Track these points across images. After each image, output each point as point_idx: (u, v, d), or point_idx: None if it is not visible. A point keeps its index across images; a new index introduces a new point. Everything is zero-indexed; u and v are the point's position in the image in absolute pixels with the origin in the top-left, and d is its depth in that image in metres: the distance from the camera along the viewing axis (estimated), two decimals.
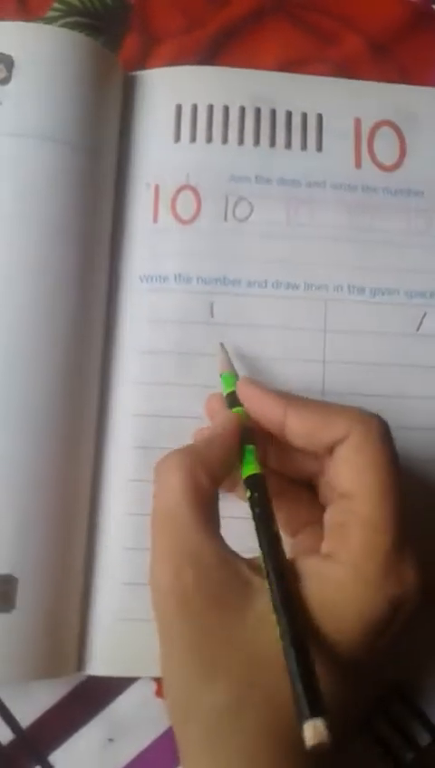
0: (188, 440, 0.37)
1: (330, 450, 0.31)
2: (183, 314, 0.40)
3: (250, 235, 0.41)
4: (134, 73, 0.43)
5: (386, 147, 0.42)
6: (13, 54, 0.39)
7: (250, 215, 0.41)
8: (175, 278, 0.40)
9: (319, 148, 0.42)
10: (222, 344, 0.39)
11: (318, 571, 0.29)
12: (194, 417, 0.38)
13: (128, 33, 0.45)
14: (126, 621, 0.36)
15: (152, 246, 0.40)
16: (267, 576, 0.28)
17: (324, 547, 0.30)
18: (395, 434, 0.38)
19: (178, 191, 0.41)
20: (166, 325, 0.40)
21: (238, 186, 0.41)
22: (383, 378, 0.40)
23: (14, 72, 0.39)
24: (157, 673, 0.35)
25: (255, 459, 0.32)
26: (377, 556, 0.28)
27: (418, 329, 0.40)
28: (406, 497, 0.30)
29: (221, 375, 0.37)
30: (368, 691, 0.34)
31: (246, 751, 0.27)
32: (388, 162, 0.42)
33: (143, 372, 0.39)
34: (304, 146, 0.42)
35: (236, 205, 0.41)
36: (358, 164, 0.42)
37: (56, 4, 0.45)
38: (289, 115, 0.42)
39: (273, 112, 0.42)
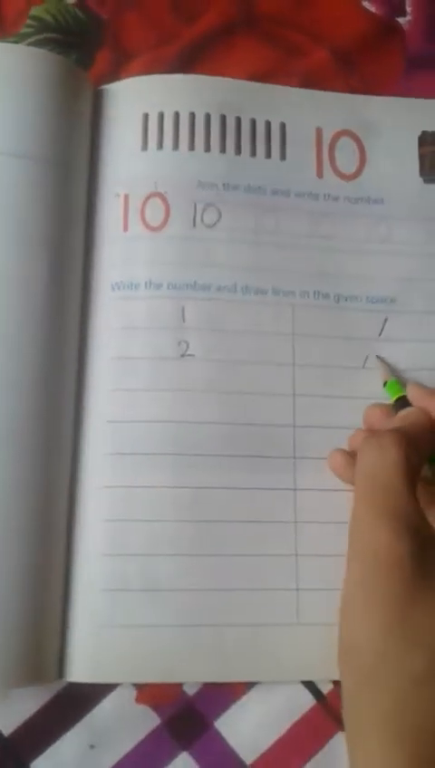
0: (160, 446, 0.38)
1: None
2: (155, 320, 0.40)
3: (219, 240, 0.41)
4: (102, 87, 0.43)
5: (346, 156, 0.44)
6: None
7: (218, 221, 0.42)
8: (145, 285, 0.40)
9: (283, 156, 0.43)
10: (379, 357, 0.41)
11: None
12: (168, 422, 0.39)
13: (100, 48, 0.45)
14: (105, 628, 0.36)
15: (123, 255, 0.41)
16: None
17: None
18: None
19: (147, 199, 0.41)
20: (138, 332, 0.40)
21: (206, 192, 0.42)
22: (351, 380, 0.41)
23: None
24: (137, 679, 0.37)
25: None
26: None
27: (380, 333, 0.42)
28: None
29: (386, 383, 0.39)
30: None
31: None
32: (348, 171, 0.43)
33: (117, 379, 0.39)
34: (268, 154, 0.43)
35: (204, 211, 0.41)
36: (320, 173, 0.43)
37: (30, 21, 0.45)
38: (253, 123, 0.43)
39: (238, 120, 0.43)
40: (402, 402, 0.38)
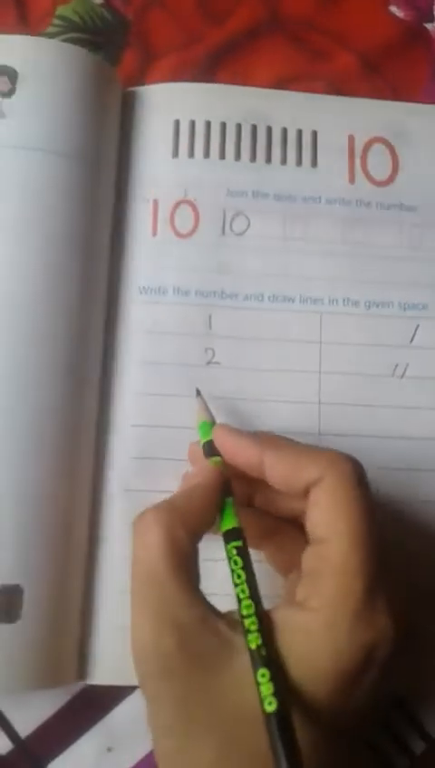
0: (185, 451, 0.38)
1: (306, 492, 0.31)
2: (181, 326, 0.40)
3: (247, 249, 0.41)
4: (133, 89, 0.43)
5: (379, 163, 0.43)
6: (17, 67, 0.39)
7: (247, 229, 0.42)
8: (174, 291, 0.40)
9: (314, 163, 0.43)
10: (198, 390, 0.39)
11: (293, 622, 0.28)
12: (190, 428, 0.38)
13: (126, 48, 0.46)
14: (126, 630, 0.36)
15: (151, 259, 0.41)
16: (248, 648, 0.28)
17: (298, 593, 0.30)
18: (390, 446, 0.40)
19: (177, 205, 0.41)
20: (164, 337, 0.40)
21: (236, 200, 0.42)
22: (379, 388, 0.40)
23: (18, 84, 0.39)
24: None
25: (233, 513, 0.32)
26: (348, 603, 0.28)
27: (411, 340, 0.41)
28: (382, 540, 0.30)
29: (199, 425, 0.36)
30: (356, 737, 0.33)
31: None
32: (381, 177, 0.43)
33: (142, 383, 0.39)
34: (299, 162, 0.43)
35: (233, 219, 0.42)
36: (352, 179, 0.43)
37: (56, 20, 0.46)
38: (284, 131, 0.43)
39: (269, 129, 0.43)
40: (209, 448, 0.35)
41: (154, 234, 0.41)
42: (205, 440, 0.35)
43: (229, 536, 0.31)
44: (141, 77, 0.45)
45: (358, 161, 0.43)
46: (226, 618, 0.29)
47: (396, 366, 0.41)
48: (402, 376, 0.40)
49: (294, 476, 0.31)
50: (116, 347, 0.40)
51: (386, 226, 0.42)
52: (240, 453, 0.33)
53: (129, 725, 0.36)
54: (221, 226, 0.42)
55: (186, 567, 0.29)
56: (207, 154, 0.42)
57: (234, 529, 0.31)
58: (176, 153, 0.42)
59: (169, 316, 0.40)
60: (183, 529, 0.30)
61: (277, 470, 0.32)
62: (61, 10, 0.46)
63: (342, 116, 0.44)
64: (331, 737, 0.28)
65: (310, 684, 0.27)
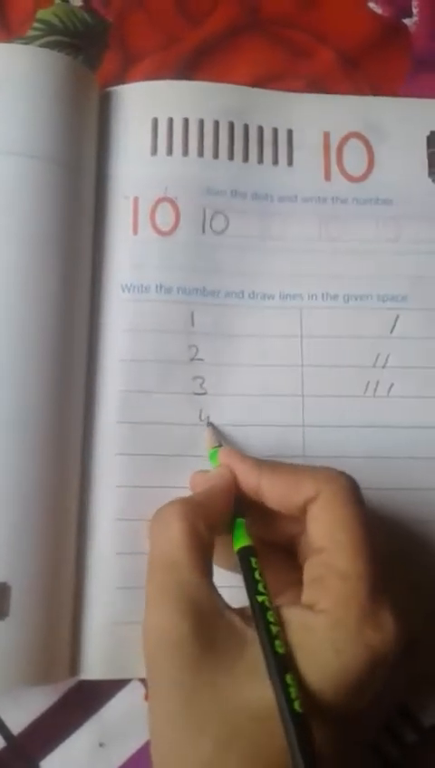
0: (170, 446, 0.39)
1: (303, 510, 0.32)
2: (165, 324, 0.40)
3: (227, 247, 0.42)
4: (110, 89, 0.44)
5: (355, 158, 0.44)
6: None
7: (226, 228, 0.42)
8: (156, 288, 0.41)
9: (290, 162, 0.43)
10: (209, 420, 0.40)
11: (301, 621, 0.29)
12: (175, 424, 0.39)
13: (106, 50, 0.46)
14: (118, 625, 0.37)
15: (133, 257, 0.41)
16: (262, 648, 0.28)
17: (304, 598, 0.30)
18: (374, 435, 0.40)
19: (157, 203, 0.42)
20: (147, 334, 0.40)
21: (215, 199, 0.42)
22: (360, 378, 0.41)
23: None
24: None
25: (245, 532, 0.33)
26: (354, 604, 0.29)
27: (392, 331, 0.42)
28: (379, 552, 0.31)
29: (209, 451, 0.37)
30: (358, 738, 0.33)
31: None
32: (356, 173, 0.44)
33: (126, 381, 0.40)
34: (275, 161, 0.43)
35: (212, 218, 0.42)
36: (327, 176, 0.43)
37: (36, 24, 0.46)
38: (261, 130, 0.43)
39: (245, 127, 0.43)
40: None
41: (135, 232, 0.41)
42: (216, 466, 0.36)
43: (246, 552, 0.32)
44: (122, 79, 0.45)
45: (334, 158, 0.44)
46: (238, 611, 0.30)
47: (377, 356, 0.41)
48: (384, 366, 0.41)
49: (292, 495, 0.32)
50: (100, 345, 0.40)
51: (363, 221, 0.43)
52: (241, 475, 0.34)
53: (121, 721, 0.37)
54: (201, 225, 0.42)
55: (205, 557, 0.31)
56: (185, 152, 0.42)
57: (244, 548, 0.32)
58: (154, 151, 0.42)
59: (153, 314, 0.41)
60: (203, 522, 0.31)
61: (275, 490, 0.33)
62: (41, 14, 0.46)
63: (317, 113, 0.44)
64: (337, 734, 0.28)
65: (316, 681, 0.28)
